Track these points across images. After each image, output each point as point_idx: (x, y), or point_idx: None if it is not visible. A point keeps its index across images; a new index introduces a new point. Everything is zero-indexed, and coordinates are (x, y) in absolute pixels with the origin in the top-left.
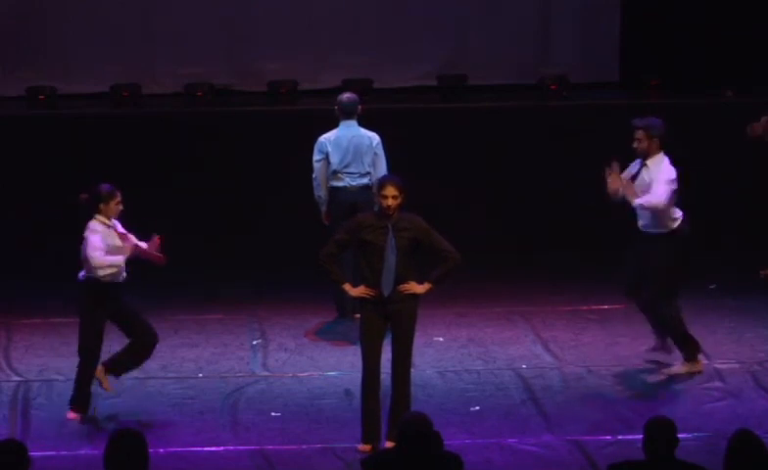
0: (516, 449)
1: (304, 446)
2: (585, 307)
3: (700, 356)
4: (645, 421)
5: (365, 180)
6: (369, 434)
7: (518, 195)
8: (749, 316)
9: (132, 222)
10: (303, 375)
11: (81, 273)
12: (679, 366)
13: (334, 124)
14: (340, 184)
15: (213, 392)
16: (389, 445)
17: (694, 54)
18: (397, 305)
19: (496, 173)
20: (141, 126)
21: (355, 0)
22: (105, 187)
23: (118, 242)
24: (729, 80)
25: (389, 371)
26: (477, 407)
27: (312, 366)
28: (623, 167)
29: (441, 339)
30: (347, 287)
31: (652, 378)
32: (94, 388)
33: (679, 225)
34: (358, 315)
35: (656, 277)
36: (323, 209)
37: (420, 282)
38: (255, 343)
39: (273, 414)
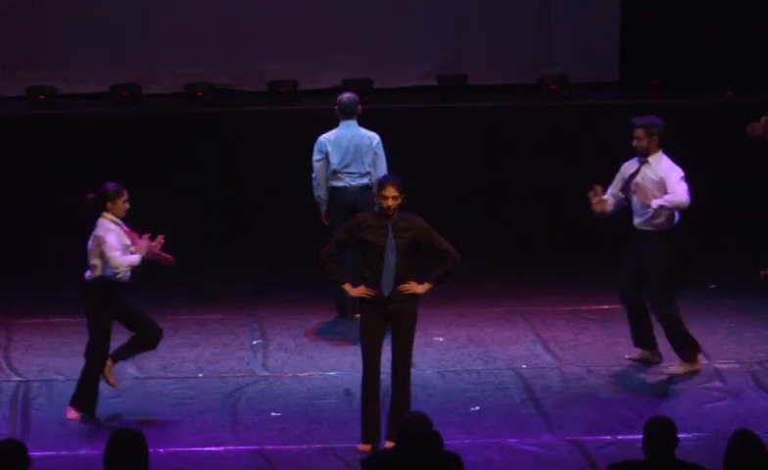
0: (516, 449)
1: (304, 446)
2: (585, 307)
3: (700, 356)
4: (645, 421)
5: (365, 180)
6: (369, 434)
7: (518, 195)
8: (749, 316)
9: (132, 222)
10: (303, 375)
11: (88, 273)
12: (677, 366)
13: (334, 124)
14: (340, 184)
15: (213, 392)
16: (389, 445)
17: (694, 54)
18: (397, 305)
19: (496, 173)
20: (141, 126)
21: (355, 0)
22: (111, 186)
23: (127, 241)
24: (729, 80)
25: (389, 371)
26: (477, 407)
27: (311, 366)
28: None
29: (441, 339)
30: (347, 287)
31: (652, 378)
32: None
33: (677, 225)
34: (358, 315)
35: (657, 277)
36: (323, 208)
37: (420, 282)
38: (255, 343)
39: (273, 414)
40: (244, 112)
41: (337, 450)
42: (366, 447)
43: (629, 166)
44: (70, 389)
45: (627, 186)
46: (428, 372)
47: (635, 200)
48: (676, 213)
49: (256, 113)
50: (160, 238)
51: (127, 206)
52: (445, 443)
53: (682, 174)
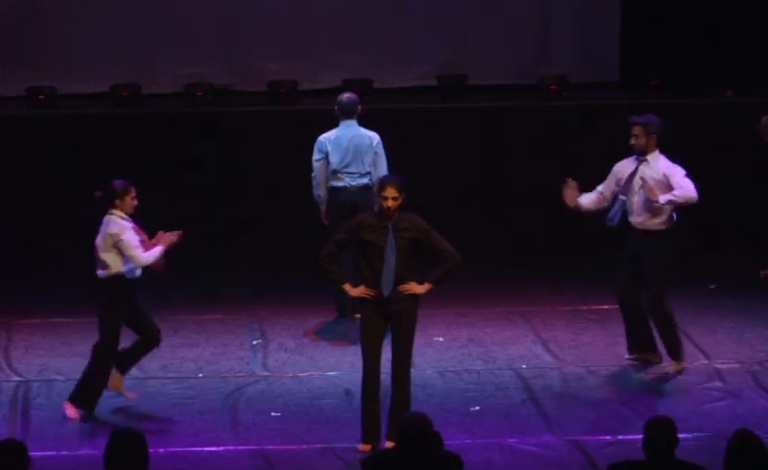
0: (516, 449)
1: (304, 446)
2: (585, 307)
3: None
4: (645, 421)
5: (365, 180)
6: (369, 434)
7: (518, 195)
8: (749, 316)
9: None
10: (303, 375)
11: (100, 271)
12: (671, 365)
13: (334, 124)
14: (340, 184)
15: (213, 392)
16: (389, 445)
17: (694, 54)
18: (397, 305)
19: (496, 173)
20: (141, 126)
21: (355, 0)
22: (119, 183)
23: (138, 237)
24: (729, 80)
25: (389, 371)
26: (477, 407)
27: (311, 366)
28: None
29: (441, 339)
30: (347, 287)
31: (652, 378)
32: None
33: (675, 224)
34: (358, 315)
35: (655, 276)
36: (323, 208)
37: (420, 282)
38: (255, 343)
39: (273, 414)
40: (244, 112)
41: (337, 450)
42: (366, 447)
43: (625, 166)
44: (70, 389)
45: (628, 186)
46: (428, 372)
47: (636, 199)
48: (674, 214)
49: (256, 113)
50: (178, 232)
51: (135, 202)
52: (445, 443)
53: (685, 171)
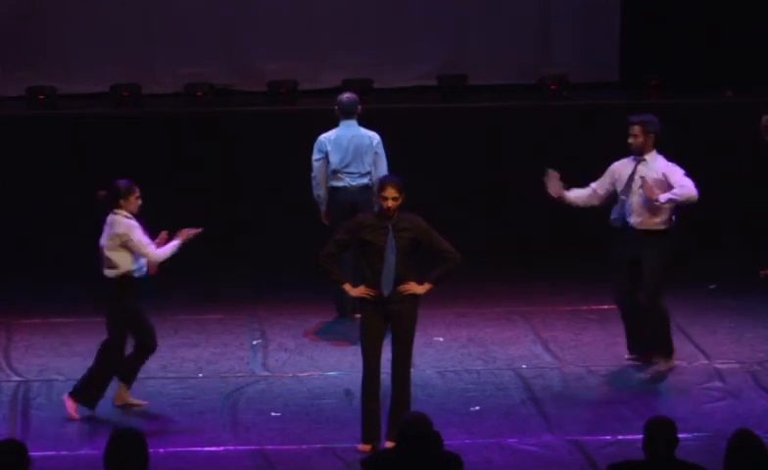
0: (516, 449)
1: (304, 446)
2: (585, 307)
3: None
4: (645, 421)
5: (365, 180)
6: (369, 434)
7: (518, 195)
8: (749, 316)
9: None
10: (303, 375)
11: (107, 271)
12: (663, 363)
13: (334, 124)
14: (340, 184)
15: (213, 392)
16: (389, 445)
17: (694, 54)
18: (397, 305)
19: (496, 173)
20: (141, 126)
21: (355, 0)
22: (123, 183)
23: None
24: (729, 80)
25: (389, 371)
26: (477, 407)
27: (312, 366)
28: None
29: (441, 339)
30: (347, 287)
31: (652, 378)
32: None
33: (674, 224)
34: (358, 315)
35: (654, 276)
36: (323, 208)
37: (420, 282)
38: (255, 343)
39: (273, 414)
40: (244, 112)
41: (337, 450)
42: (366, 447)
43: (623, 166)
44: (70, 389)
45: (627, 186)
46: (428, 372)
47: (636, 199)
48: (673, 214)
49: (256, 113)
50: (163, 234)
51: (140, 202)
52: (445, 443)
53: (683, 170)
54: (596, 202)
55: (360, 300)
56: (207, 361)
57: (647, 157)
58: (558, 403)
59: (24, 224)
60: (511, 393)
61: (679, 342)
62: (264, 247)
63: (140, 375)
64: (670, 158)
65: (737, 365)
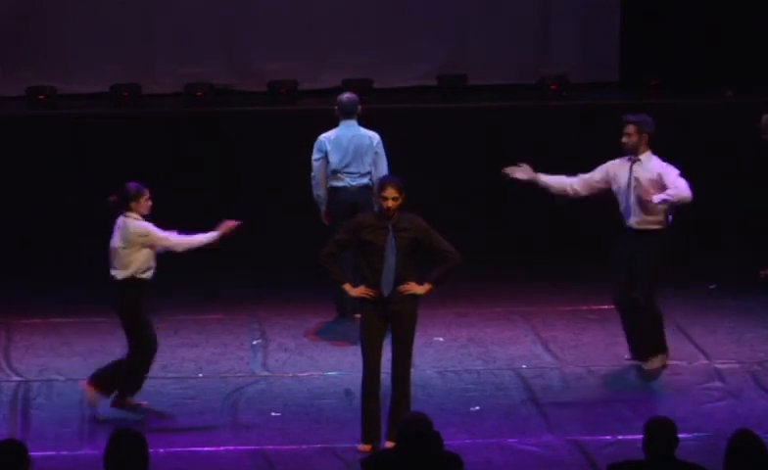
0: (516, 449)
1: (304, 446)
2: (585, 307)
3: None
4: (645, 421)
5: (365, 180)
6: (369, 434)
7: (518, 195)
8: (749, 316)
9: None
10: (303, 375)
11: (119, 272)
12: (657, 360)
13: (334, 124)
14: (340, 184)
15: (213, 392)
16: (389, 445)
17: (694, 54)
18: (397, 305)
19: (496, 173)
20: (141, 126)
21: (355, 0)
22: (133, 186)
23: None
24: (729, 80)
25: (389, 371)
26: (477, 407)
27: (312, 366)
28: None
29: (441, 339)
30: (347, 287)
31: (652, 378)
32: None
33: (669, 225)
34: (358, 315)
35: (646, 275)
36: (322, 208)
37: (420, 282)
38: (255, 343)
39: (273, 414)
40: (244, 112)
41: (337, 450)
42: (366, 447)
43: (618, 166)
44: (70, 389)
45: (625, 187)
46: (428, 372)
47: (631, 199)
48: (670, 214)
49: (256, 113)
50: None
51: (150, 203)
52: (445, 443)
53: (678, 171)
54: (578, 190)
55: (361, 300)
56: (207, 361)
57: (641, 157)
58: (558, 403)
59: (23, 224)
60: (511, 393)
61: (679, 342)
62: (264, 247)
63: None
64: (670, 158)
65: (737, 365)
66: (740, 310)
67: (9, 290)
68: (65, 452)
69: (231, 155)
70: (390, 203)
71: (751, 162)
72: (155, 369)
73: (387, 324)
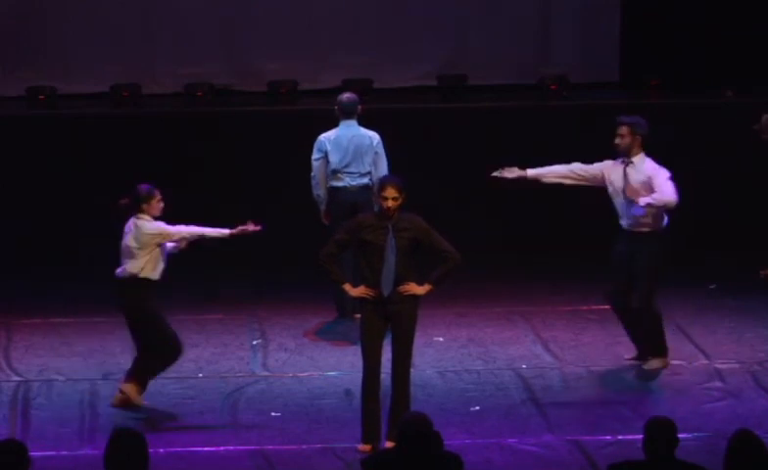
0: (516, 449)
1: (304, 446)
2: (585, 307)
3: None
4: (645, 421)
5: (365, 180)
6: (369, 434)
7: (518, 195)
8: (749, 316)
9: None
10: (303, 375)
11: (129, 273)
12: (657, 361)
13: (334, 124)
14: (340, 184)
15: (213, 392)
16: (389, 445)
17: (694, 54)
18: (397, 305)
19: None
20: (141, 126)
21: (355, 0)
22: (144, 187)
23: None
24: (729, 80)
25: (389, 371)
26: (477, 407)
27: (311, 366)
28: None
29: (441, 339)
30: (347, 287)
31: (652, 378)
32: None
33: (666, 226)
34: (358, 315)
35: (646, 277)
36: (322, 208)
37: (420, 282)
38: (255, 343)
39: (273, 414)
40: (244, 112)
41: (337, 450)
42: (366, 447)
43: (613, 169)
44: (70, 389)
45: (622, 191)
46: (428, 372)
47: (624, 201)
48: (665, 215)
49: (256, 113)
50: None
51: (162, 205)
52: (445, 443)
53: (669, 174)
54: (573, 181)
55: (360, 300)
56: (207, 361)
57: (634, 159)
58: (558, 403)
59: (23, 224)
60: (511, 393)
61: (679, 342)
62: (264, 247)
63: None
64: (670, 158)
65: (737, 365)
66: (740, 310)
67: (9, 290)
68: (65, 452)
69: (231, 155)
70: (390, 203)
71: (751, 162)
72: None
73: (387, 324)
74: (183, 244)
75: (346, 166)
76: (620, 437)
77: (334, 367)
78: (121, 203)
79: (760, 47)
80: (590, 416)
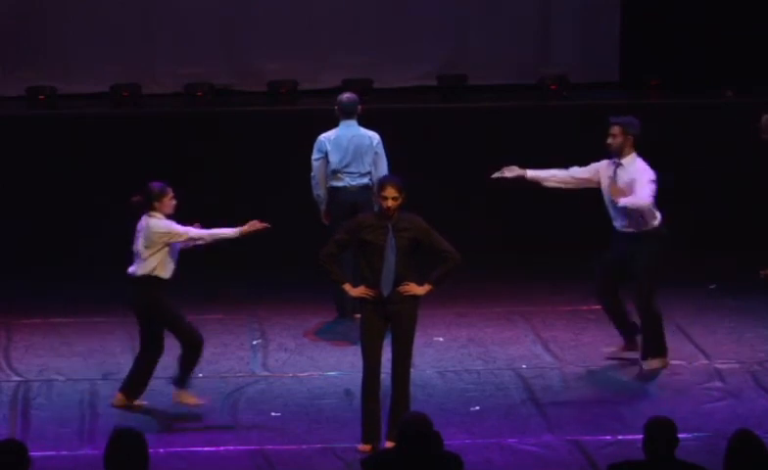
0: (516, 449)
1: (304, 446)
2: (585, 307)
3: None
4: (645, 421)
5: (365, 180)
6: (369, 434)
7: (518, 195)
8: (749, 316)
9: (133, 222)
10: (303, 375)
11: (142, 271)
12: (657, 361)
13: (334, 124)
14: (340, 184)
15: (213, 392)
16: (389, 445)
17: (694, 54)
18: (397, 305)
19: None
20: (141, 126)
21: (355, 0)
22: (156, 185)
23: None
24: (729, 80)
25: (389, 371)
26: (477, 407)
27: (311, 366)
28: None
29: (441, 339)
30: (347, 287)
31: (652, 378)
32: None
33: (659, 224)
34: (358, 315)
35: (645, 276)
36: (322, 208)
37: (420, 283)
38: (255, 343)
39: (273, 414)
40: (244, 112)
41: (337, 450)
42: (366, 447)
43: (605, 169)
44: (70, 389)
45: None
46: (428, 372)
47: (609, 202)
48: (658, 214)
49: (256, 113)
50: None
51: (174, 202)
52: (445, 443)
53: (652, 177)
54: (572, 185)
55: (360, 300)
56: (207, 361)
57: (623, 160)
58: (558, 403)
59: (23, 224)
60: (511, 393)
61: (679, 342)
62: (264, 247)
63: None
64: (670, 158)
65: (737, 365)
66: (740, 310)
67: (9, 290)
68: (65, 452)
69: (231, 155)
70: (390, 202)
71: (751, 162)
72: (155, 369)
73: (387, 324)
74: (201, 242)
75: (346, 166)
76: (620, 437)
77: (334, 367)
78: (134, 200)
79: (760, 47)
80: (590, 416)
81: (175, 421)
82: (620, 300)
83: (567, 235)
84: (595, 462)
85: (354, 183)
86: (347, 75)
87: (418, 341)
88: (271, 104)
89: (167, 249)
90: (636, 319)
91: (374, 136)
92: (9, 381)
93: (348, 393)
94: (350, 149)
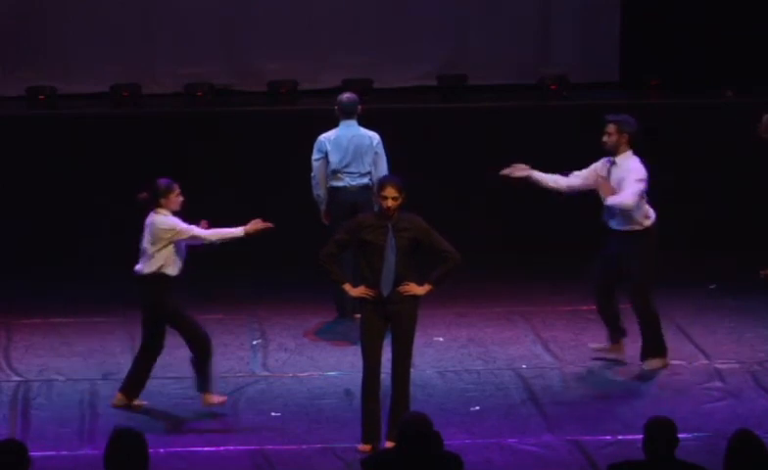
0: (516, 449)
1: (304, 446)
2: (585, 307)
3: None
4: (645, 421)
5: (365, 180)
6: (369, 434)
7: (518, 195)
8: (749, 316)
9: (134, 223)
10: (303, 375)
11: (148, 269)
12: (657, 361)
13: (334, 124)
14: (340, 184)
15: (213, 392)
16: (389, 445)
17: (694, 54)
18: (397, 305)
19: (496, 173)
20: (141, 126)
21: (355, 0)
22: (163, 182)
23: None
24: (729, 80)
25: (389, 371)
26: (477, 407)
27: (311, 366)
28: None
29: (441, 339)
30: (347, 287)
31: (652, 378)
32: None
33: (653, 223)
34: (358, 315)
35: (639, 274)
36: (322, 208)
37: (420, 282)
38: (255, 343)
39: (273, 414)
40: (244, 112)
41: (337, 450)
42: (366, 447)
43: (601, 168)
44: (70, 389)
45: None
46: (428, 372)
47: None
48: (651, 213)
49: (256, 113)
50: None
51: (181, 199)
52: (445, 443)
53: (641, 177)
54: (575, 188)
55: (360, 300)
56: None
57: (618, 158)
58: (558, 403)
59: (23, 224)
60: (511, 393)
61: (679, 342)
62: (264, 247)
63: None
64: (670, 158)
65: (737, 365)
66: (740, 310)
67: (9, 290)
68: (65, 452)
69: (231, 155)
70: (390, 202)
71: (751, 162)
72: (155, 369)
73: (387, 324)
74: (207, 241)
75: (346, 166)
76: (620, 437)
77: (334, 367)
78: (140, 197)
79: (760, 47)
80: (590, 416)
81: (175, 421)
82: (614, 302)
83: (567, 235)
84: (595, 462)
85: (354, 183)
86: (347, 75)
87: (418, 341)
88: (271, 104)
89: (173, 246)
90: (625, 325)
91: (374, 136)
92: (9, 381)
93: (348, 393)
94: (350, 149)
